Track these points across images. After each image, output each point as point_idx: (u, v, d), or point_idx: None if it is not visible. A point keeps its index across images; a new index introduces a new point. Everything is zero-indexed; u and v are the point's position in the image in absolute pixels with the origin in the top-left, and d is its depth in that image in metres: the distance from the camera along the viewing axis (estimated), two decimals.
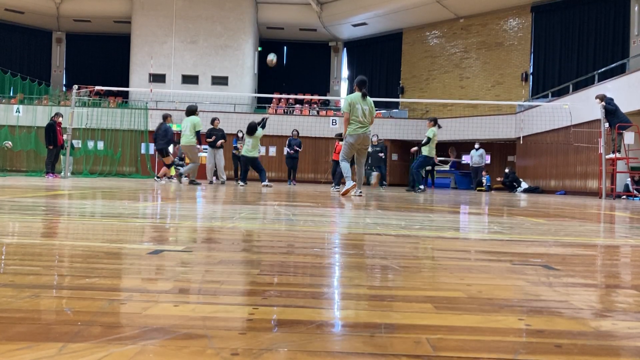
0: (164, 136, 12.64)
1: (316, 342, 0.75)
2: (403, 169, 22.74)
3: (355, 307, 0.97)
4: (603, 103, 10.92)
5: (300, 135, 18.76)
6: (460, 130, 19.89)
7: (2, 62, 24.21)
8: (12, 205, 3.36)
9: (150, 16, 24.36)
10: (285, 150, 16.63)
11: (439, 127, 11.02)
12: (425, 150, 10.70)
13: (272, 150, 21.94)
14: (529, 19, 20.92)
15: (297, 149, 16.04)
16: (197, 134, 10.97)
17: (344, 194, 6.89)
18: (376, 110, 24.93)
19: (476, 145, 17.96)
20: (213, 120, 13.52)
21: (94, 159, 20.16)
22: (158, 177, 12.73)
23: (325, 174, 21.76)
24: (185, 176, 11.25)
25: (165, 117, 12.99)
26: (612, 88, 13.13)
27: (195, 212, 3.46)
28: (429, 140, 10.68)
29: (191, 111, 11.20)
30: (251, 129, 11.73)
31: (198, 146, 11.19)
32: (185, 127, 11.06)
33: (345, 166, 7.16)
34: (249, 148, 11.90)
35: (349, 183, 7.01)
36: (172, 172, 20.07)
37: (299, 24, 25.96)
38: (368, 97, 6.96)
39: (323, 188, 12.28)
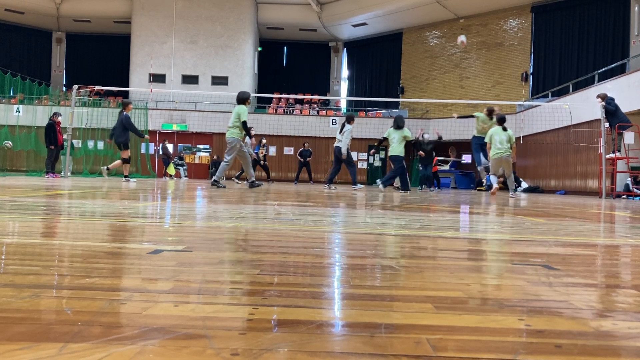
0: (120, 127, 11.29)
1: (316, 342, 0.75)
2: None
3: (355, 307, 0.97)
4: (603, 103, 10.92)
5: (300, 135, 20.43)
6: (460, 130, 19.86)
7: (2, 62, 24.21)
8: (12, 205, 3.36)
9: (150, 16, 24.36)
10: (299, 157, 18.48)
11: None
12: None
13: (272, 150, 21.96)
14: (529, 19, 20.92)
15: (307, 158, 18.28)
16: (244, 125, 9.11)
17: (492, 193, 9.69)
18: (375, 110, 24.97)
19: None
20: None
21: (94, 159, 20.16)
22: (126, 177, 11.48)
23: (326, 174, 21.75)
24: (250, 181, 9.37)
25: (125, 105, 11.51)
26: (612, 88, 13.13)
27: (195, 211, 3.46)
28: None
29: (241, 99, 9.41)
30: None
31: (247, 140, 9.41)
32: (231, 118, 9.43)
33: (491, 178, 9.98)
34: (395, 145, 10.88)
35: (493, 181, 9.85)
36: (172, 171, 20.10)
37: (299, 24, 25.96)
38: (509, 130, 9.55)
39: (323, 187, 12.27)
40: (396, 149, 10.82)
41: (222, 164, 9.24)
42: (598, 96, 11.22)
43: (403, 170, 10.95)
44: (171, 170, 20.15)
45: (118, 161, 11.74)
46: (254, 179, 9.32)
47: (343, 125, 10.92)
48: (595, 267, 1.61)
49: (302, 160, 18.06)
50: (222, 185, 9.16)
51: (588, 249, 2.06)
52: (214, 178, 9.21)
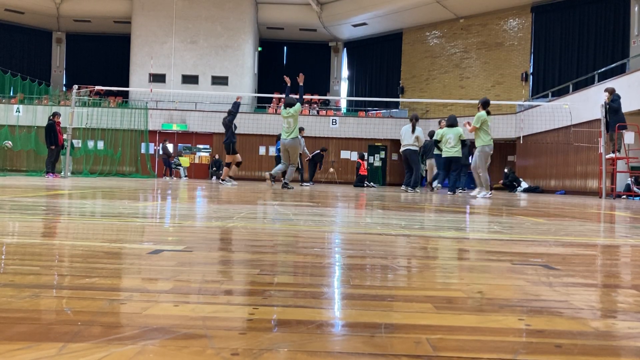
0: (227, 130, 11.36)
1: (316, 342, 0.75)
2: (402, 168, 22.73)
3: (355, 307, 0.97)
4: (610, 96, 10.83)
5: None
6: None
7: (2, 62, 24.22)
8: (12, 205, 3.36)
9: (150, 16, 24.37)
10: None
11: None
12: None
13: (272, 150, 21.96)
14: (529, 19, 20.92)
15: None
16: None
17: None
18: (375, 110, 25.01)
19: None
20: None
21: (94, 159, 20.17)
22: (222, 180, 11.50)
23: (326, 174, 21.73)
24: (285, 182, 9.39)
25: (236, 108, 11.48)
26: None
27: (195, 211, 3.46)
28: None
29: (292, 103, 9.12)
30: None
31: (302, 142, 9.55)
32: (290, 122, 9.04)
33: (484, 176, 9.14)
34: (454, 144, 10.86)
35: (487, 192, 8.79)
36: (187, 163, 20.25)
37: (299, 24, 25.96)
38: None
39: (323, 187, 12.28)
40: (456, 149, 10.84)
41: (292, 167, 9.41)
42: (606, 90, 11.12)
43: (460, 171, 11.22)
44: (185, 162, 20.57)
45: (234, 167, 11.88)
46: (270, 178, 9.39)
47: (414, 128, 10.81)
48: (595, 267, 1.61)
49: (311, 161, 18.12)
50: (291, 187, 9.38)
51: (588, 249, 2.06)
52: (284, 180, 9.36)
